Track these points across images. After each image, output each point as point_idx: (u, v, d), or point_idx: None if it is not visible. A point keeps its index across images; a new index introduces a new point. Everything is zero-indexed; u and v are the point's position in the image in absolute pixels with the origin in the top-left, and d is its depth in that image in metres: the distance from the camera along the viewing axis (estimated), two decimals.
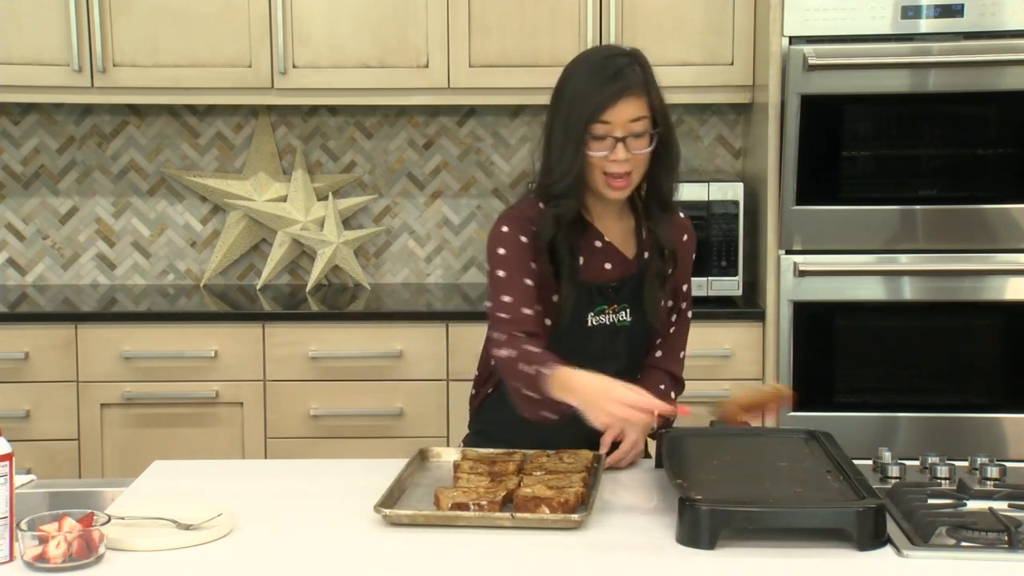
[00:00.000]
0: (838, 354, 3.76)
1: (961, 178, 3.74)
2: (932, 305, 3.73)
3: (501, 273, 2.41)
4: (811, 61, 3.59)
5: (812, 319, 3.73)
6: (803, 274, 3.69)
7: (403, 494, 2.20)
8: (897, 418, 3.73)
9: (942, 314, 3.73)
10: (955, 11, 3.62)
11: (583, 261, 2.45)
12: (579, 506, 2.08)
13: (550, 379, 2.24)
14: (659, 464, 2.36)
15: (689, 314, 2.65)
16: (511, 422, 2.46)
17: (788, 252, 3.72)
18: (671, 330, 2.62)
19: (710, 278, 3.84)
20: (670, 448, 2.32)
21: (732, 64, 3.95)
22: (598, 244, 2.48)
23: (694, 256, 2.62)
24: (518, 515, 2.03)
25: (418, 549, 1.98)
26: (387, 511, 2.07)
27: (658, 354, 2.60)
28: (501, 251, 2.43)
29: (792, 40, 3.65)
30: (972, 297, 3.70)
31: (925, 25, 3.64)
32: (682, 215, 2.59)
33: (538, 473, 2.23)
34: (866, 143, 3.77)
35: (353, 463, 2.53)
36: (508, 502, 2.10)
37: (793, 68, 3.62)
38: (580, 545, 1.99)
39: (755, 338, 3.78)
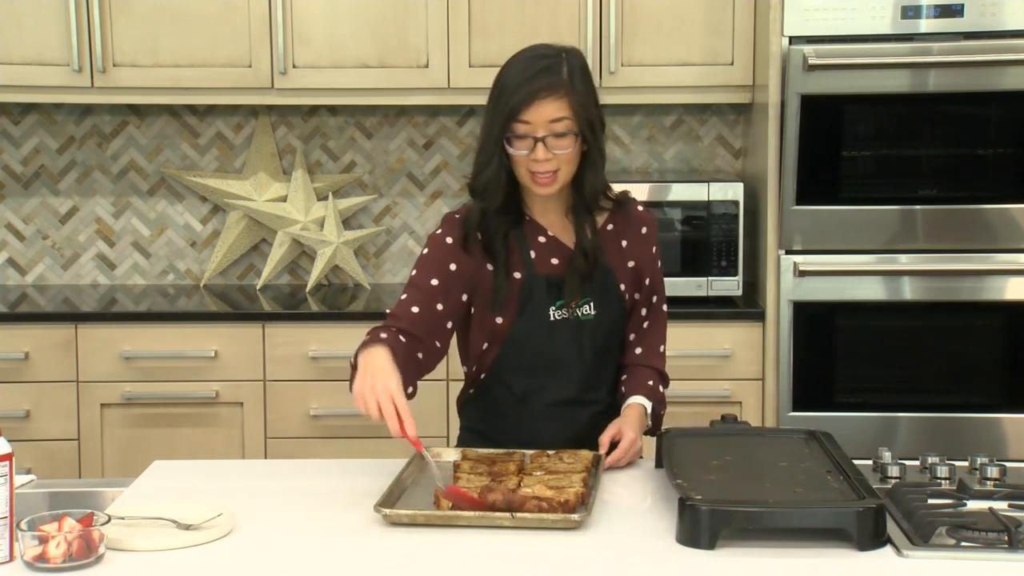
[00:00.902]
0: (838, 354, 3.76)
1: (961, 178, 3.74)
2: (932, 305, 3.73)
3: (414, 272, 2.50)
4: (811, 61, 3.59)
5: (812, 319, 3.73)
6: (803, 274, 3.69)
7: (403, 494, 2.20)
8: (897, 418, 3.73)
9: (942, 314, 3.73)
10: (955, 11, 3.62)
11: (534, 256, 2.48)
12: (579, 506, 2.08)
13: (367, 344, 2.30)
14: (659, 464, 2.36)
15: (664, 307, 2.62)
16: (491, 417, 2.54)
17: (788, 252, 3.72)
18: (644, 324, 2.59)
19: (710, 278, 3.84)
20: (670, 448, 2.32)
21: (732, 64, 3.95)
22: (542, 239, 2.50)
23: (655, 247, 2.58)
24: (518, 515, 2.03)
25: (418, 549, 1.98)
26: (387, 511, 2.07)
27: (638, 351, 2.58)
28: (424, 251, 2.51)
29: (792, 40, 3.66)
30: (972, 297, 3.70)
31: (925, 25, 3.64)
32: (640, 208, 2.59)
33: (538, 473, 2.23)
34: (866, 143, 3.77)
35: (353, 463, 2.53)
36: None
37: (793, 68, 3.62)
38: (580, 545, 1.99)
39: (755, 338, 3.78)
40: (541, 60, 2.39)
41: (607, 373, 2.55)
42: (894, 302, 3.73)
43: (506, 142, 2.38)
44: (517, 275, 2.47)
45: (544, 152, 2.36)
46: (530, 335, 2.48)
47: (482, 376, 2.56)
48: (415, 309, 2.44)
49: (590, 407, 2.52)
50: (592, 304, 2.49)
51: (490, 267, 2.47)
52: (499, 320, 2.49)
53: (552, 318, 2.48)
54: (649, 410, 2.50)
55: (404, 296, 2.47)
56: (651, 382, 2.55)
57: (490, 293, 2.47)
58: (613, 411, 2.53)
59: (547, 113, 2.35)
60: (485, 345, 2.52)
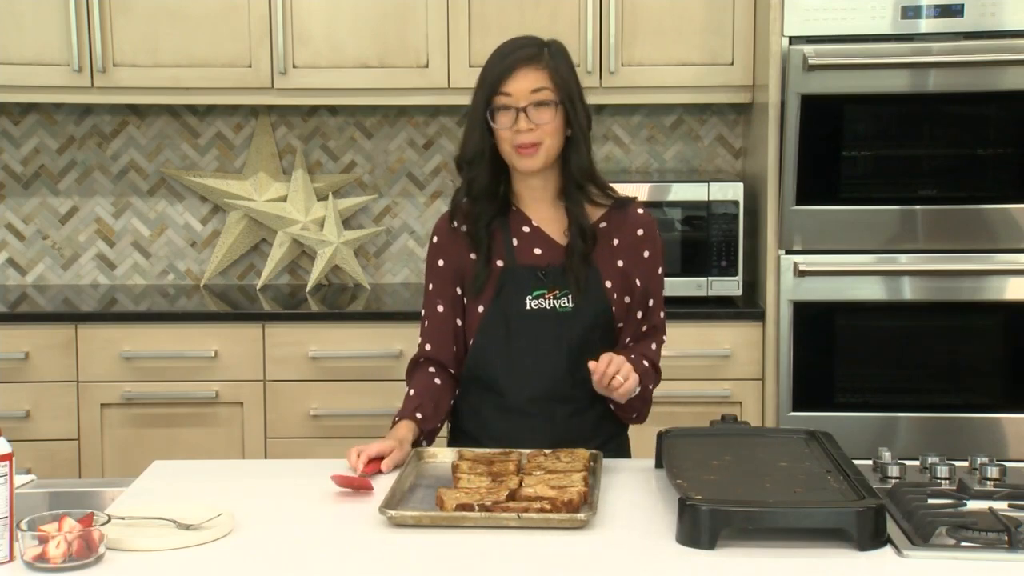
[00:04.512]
0: (838, 354, 3.76)
1: (961, 178, 3.74)
2: (932, 305, 3.73)
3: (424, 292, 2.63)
4: (811, 61, 3.59)
5: (812, 319, 3.73)
6: (803, 274, 3.69)
7: (404, 495, 2.20)
8: (897, 418, 3.73)
9: (942, 314, 3.73)
10: (955, 11, 3.62)
11: (516, 244, 2.53)
12: (582, 505, 2.08)
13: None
14: (659, 464, 2.36)
15: (661, 314, 2.59)
16: (472, 415, 2.57)
17: (788, 252, 3.72)
18: (643, 328, 2.58)
19: (710, 278, 3.84)
20: (670, 448, 2.32)
21: (732, 64, 3.95)
22: (526, 229, 2.54)
23: (648, 253, 2.56)
24: (524, 515, 2.03)
25: (422, 549, 1.98)
26: (392, 512, 2.06)
27: (629, 344, 2.57)
28: (423, 267, 2.66)
29: (792, 40, 3.66)
30: (972, 297, 3.70)
31: (925, 25, 3.64)
32: (640, 211, 2.59)
33: (538, 473, 2.23)
34: (866, 143, 3.77)
35: None
36: (510, 501, 2.10)
37: (793, 68, 3.62)
38: (581, 545, 1.99)
39: (755, 338, 3.78)
40: (522, 41, 2.51)
41: (587, 372, 2.48)
42: (894, 302, 3.73)
43: (490, 118, 2.45)
44: (499, 263, 2.52)
45: (526, 122, 2.43)
46: (504, 322, 2.50)
47: (462, 372, 2.58)
48: (427, 324, 2.58)
49: (567, 405, 2.51)
50: (570, 297, 2.49)
51: (473, 256, 2.53)
52: (480, 309, 2.53)
53: (528, 307, 2.50)
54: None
55: (420, 330, 2.61)
56: (632, 356, 2.50)
57: (472, 280, 2.52)
58: (593, 411, 2.52)
59: (528, 83, 2.44)
60: (470, 341, 2.55)
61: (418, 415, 2.48)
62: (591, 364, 2.39)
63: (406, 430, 2.45)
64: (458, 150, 2.55)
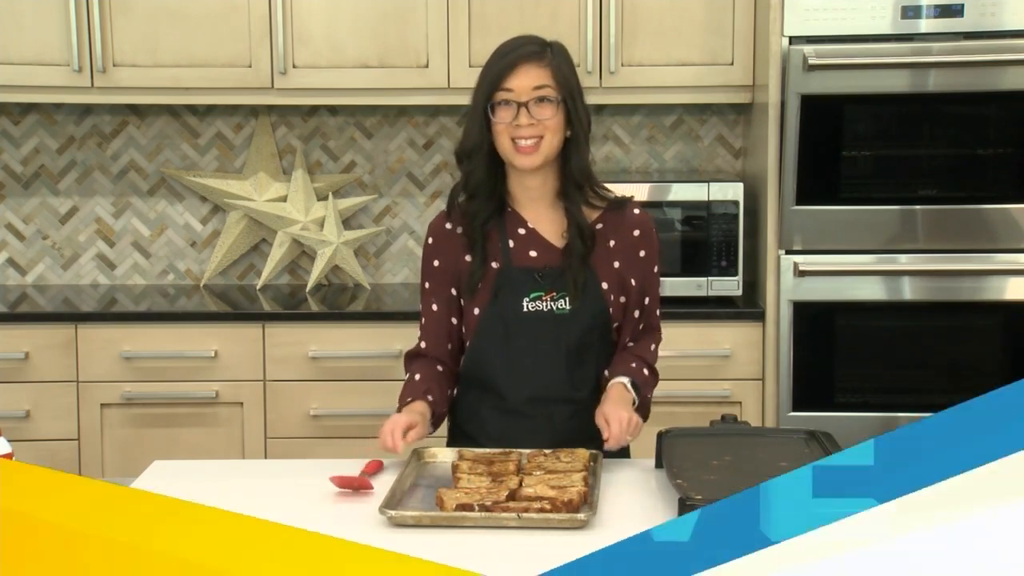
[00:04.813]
0: (838, 354, 3.76)
1: (961, 178, 3.74)
2: (932, 305, 3.73)
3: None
4: (811, 61, 3.59)
5: (812, 319, 3.73)
6: (803, 274, 3.70)
7: (404, 495, 2.20)
8: (897, 418, 3.73)
9: (942, 314, 3.73)
10: (955, 11, 3.62)
11: (512, 245, 2.53)
12: (582, 505, 2.08)
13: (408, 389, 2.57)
14: (659, 464, 2.36)
15: (657, 312, 2.61)
16: (471, 415, 2.58)
17: (788, 252, 3.72)
18: (640, 327, 2.58)
19: (710, 278, 3.84)
20: (670, 448, 2.32)
21: (732, 64, 3.95)
22: (522, 231, 2.54)
23: (644, 253, 2.56)
24: (524, 515, 2.03)
25: (422, 550, 1.97)
26: (392, 512, 2.07)
27: (630, 344, 2.57)
28: (420, 266, 2.65)
29: (792, 40, 3.66)
30: (972, 297, 3.70)
31: (925, 25, 3.65)
32: (637, 211, 2.59)
33: (538, 473, 2.23)
34: (866, 143, 3.77)
35: (353, 463, 2.52)
36: (510, 501, 2.10)
37: (793, 68, 3.62)
38: (581, 545, 1.99)
39: (755, 338, 3.78)
40: (525, 39, 2.52)
41: (585, 373, 2.52)
42: (894, 302, 3.73)
43: (490, 112, 2.45)
44: (494, 264, 2.52)
45: (527, 118, 2.43)
46: (502, 324, 2.51)
47: (459, 372, 2.59)
48: (423, 320, 2.60)
49: (566, 406, 2.51)
50: (567, 299, 2.49)
51: (468, 258, 2.53)
52: (476, 311, 2.53)
53: (525, 309, 2.50)
54: (629, 384, 2.47)
55: (419, 327, 2.62)
56: (634, 364, 2.53)
57: (467, 281, 2.52)
58: (593, 412, 2.51)
59: (529, 80, 2.44)
60: (467, 342, 2.57)
61: (429, 397, 2.49)
62: (603, 433, 2.37)
63: (423, 407, 2.47)
64: (457, 145, 2.55)
